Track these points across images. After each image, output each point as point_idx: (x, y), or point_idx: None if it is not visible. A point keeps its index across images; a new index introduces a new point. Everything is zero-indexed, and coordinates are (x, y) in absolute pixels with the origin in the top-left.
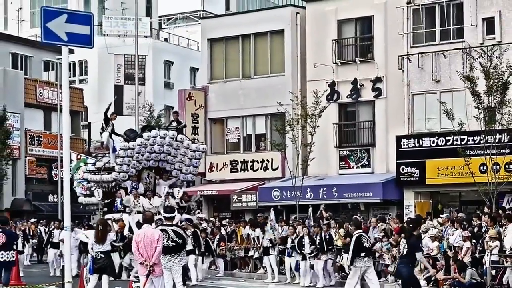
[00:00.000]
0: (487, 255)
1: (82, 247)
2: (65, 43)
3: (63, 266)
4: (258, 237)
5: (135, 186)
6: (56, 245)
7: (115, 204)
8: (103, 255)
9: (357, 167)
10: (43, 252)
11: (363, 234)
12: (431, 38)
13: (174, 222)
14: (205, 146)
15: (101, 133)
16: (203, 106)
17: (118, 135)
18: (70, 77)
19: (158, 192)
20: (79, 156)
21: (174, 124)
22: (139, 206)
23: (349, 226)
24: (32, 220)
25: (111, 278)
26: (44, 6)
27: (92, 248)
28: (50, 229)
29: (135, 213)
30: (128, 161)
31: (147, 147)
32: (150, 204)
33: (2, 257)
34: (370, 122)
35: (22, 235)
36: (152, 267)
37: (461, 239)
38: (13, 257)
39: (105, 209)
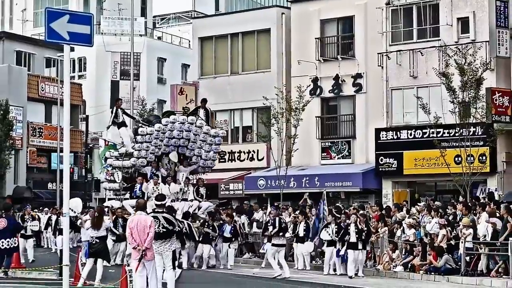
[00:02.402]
0: (462, 242)
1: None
2: (67, 41)
3: (60, 250)
4: (243, 224)
5: (155, 172)
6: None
7: (134, 190)
8: (98, 240)
9: (338, 158)
10: (41, 237)
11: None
12: (409, 37)
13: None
14: (224, 131)
15: (119, 124)
16: (194, 100)
17: (131, 117)
18: (70, 73)
19: (179, 179)
20: (106, 142)
21: (202, 111)
22: (158, 192)
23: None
24: (35, 210)
25: (105, 262)
26: (47, 7)
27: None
28: (57, 216)
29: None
30: (146, 147)
31: (166, 133)
32: (169, 190)
33: (3, 245)
34: (351, 116)
35: (31, 219)
36: (144, 251)
37: (438, 226)
38: (15, 243)
39: (127, 195)
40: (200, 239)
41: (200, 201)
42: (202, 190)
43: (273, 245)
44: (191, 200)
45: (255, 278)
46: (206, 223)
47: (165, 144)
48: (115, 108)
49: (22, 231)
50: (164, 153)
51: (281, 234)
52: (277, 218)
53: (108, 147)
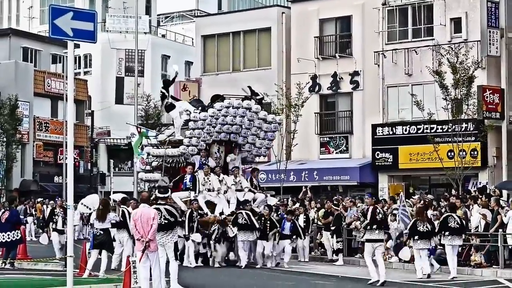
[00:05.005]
0: None
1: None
2: (70, 38)
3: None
4: None
5: (204, 162)
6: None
7: (184, 181)
8: (102, 232)
9: (336, 153)
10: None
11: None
12: (404, 36)
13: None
14: (281, 117)
15: (167, 108)
16: (197, 96)
17: (175, 98)
18: (75, 69)
19: (229, 169)
20: (139, 129)
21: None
22: (209, 183)
23: (331, 205)
24: (39, 199)
25: (110, 253)
26: (52, 5)
27: (93, 224)
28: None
29: (206, 191)
30: (198, 134)
31: (219, 118)
32: (220, 180)
33: (3, 238)
34: (348, 112)
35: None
36: (148, 243)
37: (433, 218)
38: (18, 235)
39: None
40: (259, 236)
41: (255, 193)
42: (256, 181)
43: (367, 240)
44: (245, 191)
45: (268, 270)
46: (263, 218)
47: (217, 131)
48: (161, 88)
49: (53, 226)
50: (215, 141)
51: (375, 227)
52: (370, 208)
53: (142, 134)
